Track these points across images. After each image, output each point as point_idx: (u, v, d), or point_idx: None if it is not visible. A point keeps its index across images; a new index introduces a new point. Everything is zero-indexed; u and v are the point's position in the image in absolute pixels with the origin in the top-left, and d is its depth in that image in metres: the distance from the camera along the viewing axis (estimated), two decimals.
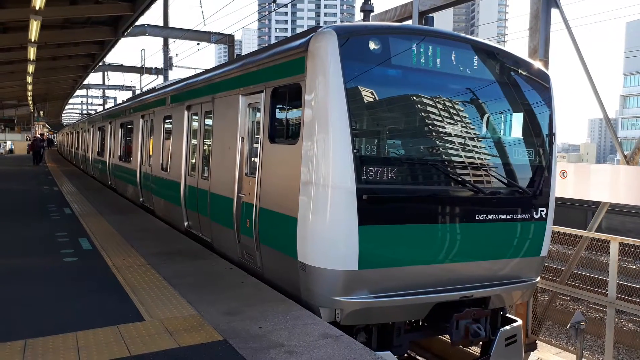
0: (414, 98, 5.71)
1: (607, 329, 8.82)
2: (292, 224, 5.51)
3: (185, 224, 9.44)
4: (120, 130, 16.28)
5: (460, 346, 6.69)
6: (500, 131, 6.31)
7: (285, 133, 6.18)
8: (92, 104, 63.09)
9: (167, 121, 11.03)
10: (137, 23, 17.93)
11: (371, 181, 5.20)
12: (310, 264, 5.31)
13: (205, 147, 8.74)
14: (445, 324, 5.88)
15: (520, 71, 6.39)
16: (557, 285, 9.78)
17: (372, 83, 5.44)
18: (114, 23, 18.41)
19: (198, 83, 9.23)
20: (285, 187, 5.76)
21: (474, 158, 5.92)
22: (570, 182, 9.83)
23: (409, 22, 12.74)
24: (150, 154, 12.21)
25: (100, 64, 28.81)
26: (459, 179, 5.78)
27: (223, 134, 7.73)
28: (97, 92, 53.63)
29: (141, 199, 12.96)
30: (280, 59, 6.11)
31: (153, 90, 14.27)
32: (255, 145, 6.81)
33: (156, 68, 32.59)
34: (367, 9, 6.93)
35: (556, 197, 6.60)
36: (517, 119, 6.37)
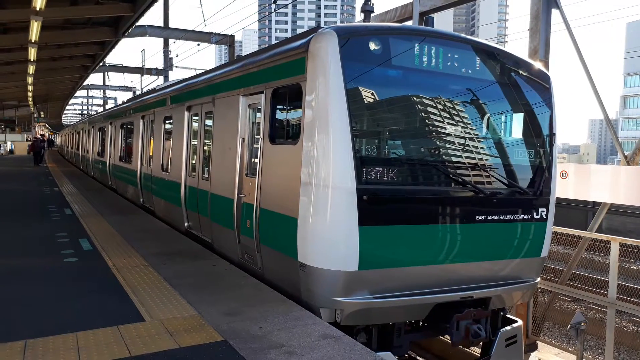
0: (415, 99, 5.71)
1: (607, 329, 8.81)
2: (292, 224, 5.51)
3: (186, 224, 9.44)
4: (120, 130, 16.29)
5: (461, 347, 6.69)
6: (501, 132, 6.31)
7: (285, 133, 6.18)
8: (92, 105, 63.15)
9: (167, 122, 11.04)
10: (137, 24, 17.92)
11: (371, 182, 5.20)
12: (311, 265, 5.31)
13: (205, 148, 8.74)
14: (445, 324, 5.87)
15: (520, 72, 6.40)
16: (558, 285, 9.78)
17: (373, 84, 5.44)
18: (114, 24, 18.42)
19: (198, 84, 9.24)
20: (285, 187, 5.76)
21: (474, 159, 5.92)
22: (571, 182, 9.83)
23: (409, 23, 12.75)
24: (151, 154, 12.22)
25: (101, 64, 28.83)
26: (460, 180, 5.77)
27: (223, 135, 7.73)
28: (98, 93, 53.67)
29: (141, 200, 12.96)
30: (281, 59, 6.11)
31: (153, 90, 14.27)
32: (255, 145, 6.81)
33: (156, 69, 32.62)
34: (367, 10, 6.94)
35: (556, 198, 6.60)
36: (518, 119, 6.37)
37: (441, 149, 5.73)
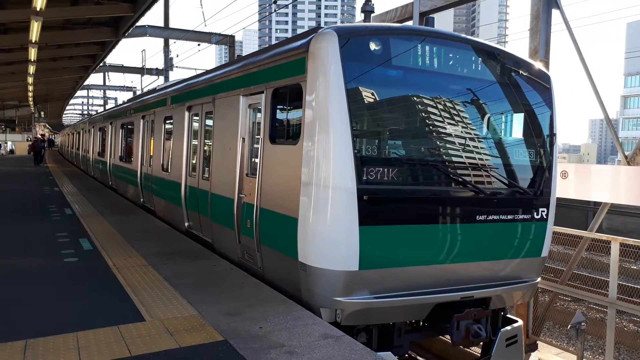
0: (415, 99, 5.71)
1: (607, 329, 8.82)
2: (292, 224, 5.51)
3: (186, 224, 9.45)
4: (121, 130, 16.30)
5: (461, 347, 6.69)
6: (501, 132, 6.30)
7: (285, 134, 6.18)
8: (92, 105, 63.17)
9: (167, 122, 11.04)
10: (137, 24, 17.93)
11: (372, 182, 5.20)
12: (311, 265, 5.31)
13: (205, 148, 8.74)
14: (445, 324, 5.87)
15: (520, 72, 6.39)
16: (558, 285, 9.78)
17: (373, 84, 5.44)
18: (114, 24, 18.42)
19: (199, 84, 9.24)
20: (285, 187, 5.76)
21: (474, 159, 5.92)
22: (571, 182, 9.82)
23: (409, 23, 12.75)
24: (151, 154, 12.22)
25: (101, 64, 28.82)
26: (460, 180, 5.77)
27: (224, 135, 7.73)
28: (98, 93, 53.70)
29: (142, 200, 12.96)
30: (281, 59, 6.11)
31: (154, 90, 14.28)
32: (255, 145, 6.81)
33: (157, 69, 32.62)
34: (367, 10, 6.93)
35: (557, 198, 6.60)
36: (518, 119, 6.37)
37: (441, 149, 5.73)
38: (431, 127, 5.73)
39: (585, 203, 17.57)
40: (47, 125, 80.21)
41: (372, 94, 5.48)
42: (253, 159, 6.87)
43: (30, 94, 33.91)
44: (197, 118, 9.18)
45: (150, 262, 7.07)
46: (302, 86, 5.53)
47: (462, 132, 5.86)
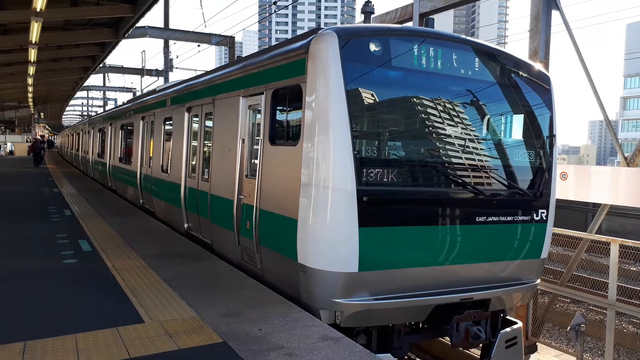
0: (415, 100, 5.71)
1: (607, 331, 8.81)
2: (292, 225, 5.50)
3: (186, 225, 9.44)
4: (120, 132, 16.29)
5: (461, 348, 6.69)
6: (501, 133, 6.30)
7: (285, 135, 6.18)
8: (92, 106, 63.16)
9: (167, 123, 11.04)
10: (137, 25, 17.92)
11: (371, 183, 5.20)
12: (311, 266, 5.30)
13: (205, 149, 8.74)
14: (445, 326, 5.87)
15: (520, 73, 6.40)
16: (558, 287, 9.77)
17: (373, 85, 5.44)
18: (114, 25, 18.42)
19: (198, 85, 9.24)
20: (285, 188, 5.76)
21: (474, 160, 5.92)
22: (571, 184, 9.82)
23: (409, 24, 12.75)
24: (151, 155, 12.22)
25: (101, 65, 28.82)
26: (460, 181, 5.77)
27: (223, 136, 7.73)
28: (98, 94, 53.70)
29: (141, 201, 12.96)
30: (281, 60, 6.11)
31: (153, 91, 14.28)
32: (255, 146, 6.81)
33: (157, 70, 32.64)
34: (367, 11, 6.93)
35: (556, 199, 6.60)
36: (518, 120, 6.37)
37: (441, 150, 5.73)
38: (431, 129, 5.73)
39: (585, 204, 17.58)
40: (47, 127, 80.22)
41: (372, 95, 5.48)
42: (253, 160, 6.86)
43: (30, 95, 33.91)
44: (197, 119, 9.17)
45: (150, 263, 7.06)
46: (302, 87, 5.53)
47: (461, 133, 5.86)
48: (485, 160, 6.04)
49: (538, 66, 6.80)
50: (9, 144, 56.42)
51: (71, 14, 16.06)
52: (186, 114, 9.58)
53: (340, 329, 5.05)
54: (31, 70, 20.73)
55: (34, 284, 6.05)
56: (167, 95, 11.12)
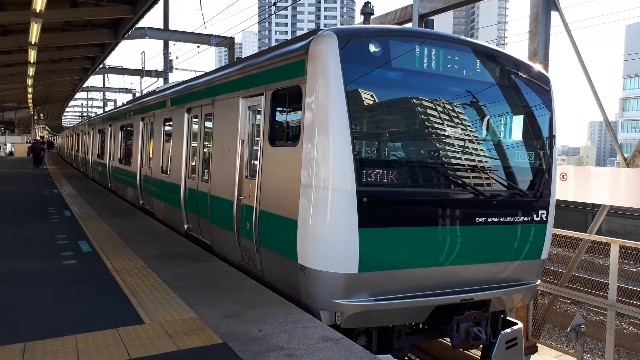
0: (414, 101, 5.71)
1: (607, 331, 8.81)
2: (292, 226, 5.50)
3: (185, 226, 9.43)
4: (120, 132, 16.29)
5: (461, 349, 6.68)
6: (501, 134, 6.31)
7: (285, 136, 6.18)
8: (92, 107, 63.18)
9: (167, 124, 11.04)
10: (137, 26, 17.94)
11: (371, 184, 5.20)
12: (311, 267, 5.30)
13: (205, 150, 8.74)
14: (445, 326, 5.87)
15: (520, 74, 6.40)
16: (558, 288, 9.77)
17: (373, 86, 5.44)
18: (114, 26, 18.44)
19: (198, 85, 9.24)
20: (285, 189, 5.76)
21: (474, 161, 5.92)
22: (571, 184, 9.83)
23: (409, 25, 12.76)
24: (151, 156, 12.22)
25: (101, 66, 28.83)
26: (459, 182, 5.77)
27: (223, 137, 7.73)
28: (98, 95, 53.72)
29: (141, 202, 12.95)
30: (281, 61, 6.11)
31: (153, 92, 14.28)
32: (255, 147, 6.81)
33: (156, 71, 32.65)
34: (367, 12, 6.93)
35: (556, 200, 6.60)
36: (518, 121, 6.37)
37: (441, 151, 5.73)
38: (431, 129, 5.73)
39: (585, 205, 17.59)
40: (47, 127, 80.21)
41: (372, 96, 5.48)
42: (252, 161, 6.86)
43: (29, 96, 33.93)
44: (197, 120, 9.17)
45: (150, 264, 7.06)
46: (301, 88, 5.53)
47: (461, 134, 5.86)
48: (485, 161, 6.04)
49: (537, 67, 6.80)
50: (8, 145, 56.39)
51: (71, 15, 16.08)
52: (186, 115, 9.58)
53: (340, 329, 5.05)
54: (31, 71, 20.75)
55: (34, 285, 6.04)
56: (167, 96, 11.12)
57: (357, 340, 5.51)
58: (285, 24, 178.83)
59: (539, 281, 6.73)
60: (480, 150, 6.01)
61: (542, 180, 6.36)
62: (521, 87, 6.37)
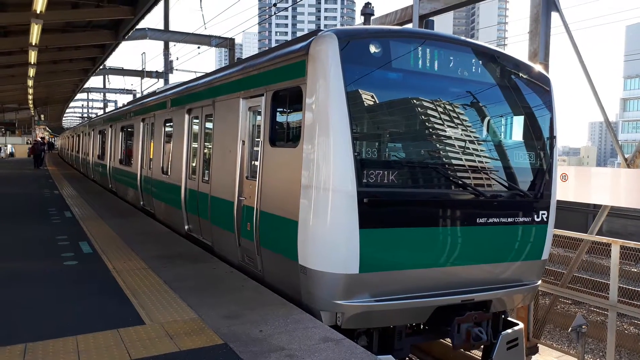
0: (415, 101, 5.71)
1: (608, 332, 8.80)
2: (292, 227, 5.50)
3: (186, 227, 9.43)
4: (120, 133, 16.30)
5: (462, 350, 6.68)
6: (501, 134, 6.30)
7: (285, 136, 6.18)
8: (92, 108, 63.22)
9: (167, 124, 11.04)
10: (137, 27, 17.98)
11: (372, 184, 5.20)
12: (311, 268, 5.30)
13: (205, 151, 8.74)
14: (446, 327, 5.86)
15: (520, 74, 6.40)
16: (558, 288, 9.77)
17: (373, 86, 5.44)
18: (114, 27, 18.47)
19: (199, 86, 9.24)
20: (286, 190, 5.76)
21: (474, 161, 5.91)
22: (571, 185, 9.82)
23: (409, 26, 12.77)
24: (151, 157, 12.22)
25: (101, 67, 28.87)
26: (460, 182, 5.77)
27: (224, 137, 7.73)
28: (98, 96, 53.75)
29: (142, 203, 12.96)
30: (281, 62, 6.12)
31: (153, 93, 14.29)
32: (255, 148, 6.81)
33: (157, 71, 32.70)
34: (367, 13, 6.94)
35: (557, 201, 6.60)
36: (518, 122, 6.37)
37: (441, 152, 5.73)
38: (431, 130, 5.73)
39: (585, 206, 17.58)
40: (47, 128, 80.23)
41: (372, 97, 5.48)
42: (253, 162, 6.87)
43: (30, 97, 33.96)
44: (197, 121, 9.18)
45: (150, 265, 7.06)
46: (302, 89, 5.53)
47: (462, 134, 5.86)
48: (486, 162, 6.04)
49: (538, 68, 6.80)
50: (9, 146, 56.41)
51: (71, 16, 16.11)
52: (186, 116, 9.59)
53: (341, 330, 5.04)
54: (31, 72, 20.77)
55: (35, 286, 6.04)
56: (168, 97, 11.12)
57: (357, 341, 5.50)
58: (286, 25, 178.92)
59: (539, 282, 6.72)
60: (481, 150, 6.01)
61: (543, 181, 6.35)
62: (522, 87, 6.37)
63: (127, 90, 43.37)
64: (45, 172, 27.70)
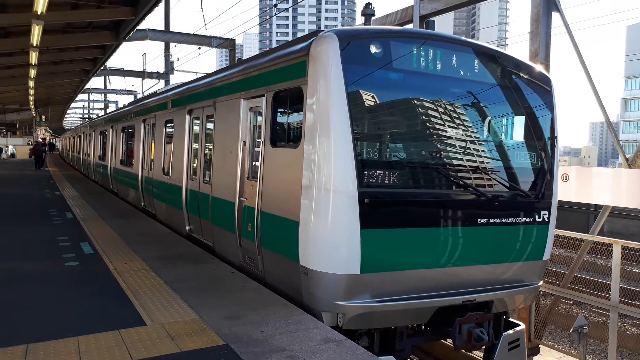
0: (416, 102, 5.70)
1: (610, 332, 8.79)
2: (293, 227, 5.50)
3: (187, 228, 9.43)
4: (121, 134, 16.31)
5: (463, 350, 6.67)
6: (502, 134, 6.30)
7: (286, 137, 6.18)
8: (93, 109, 63.28)
9: (168, 125, 11.05)
10: (138, 27, 18.02)
11: (373, 185, 5.19)
12: (312, 268, 5.29)
13: (206, 151, 8.74)
14: (448, 328, 5.86)
15: (521, 74, 6.39)
16: (560, 289, 9.76)
17: (374, 87, 5.44)
18: (115, 27, 18.48)
19: (199, 87, 9.25)
20: (286, 190, 5.75)
21: (475, 161, 5.91)
22: (572, 185, 9.82)
23: (410, 26, 12.77)
24: (152, 158, 12.23)
25: (102, 68, 28.90)
26: (461, 183, 5.76)
27: (224, 138, 7.73)
28: (99, 97, 53.80)
29: (143, 203, 12.96)
30: (282, 63, 6.12)
31: (154, 94, 14.29)
32: (256, 149, 6.81)
33: (157, 72, 32.73)
34: (368, 13, 6.94)
35: (558, 201, 6.59)
36: (519, 122, 6.36)
37: (442, 152, 5.72)
38: (432, 130, 5.73)
39: (586, 206, 17.56)
40: (48, 129, 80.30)
41: (373, 97, 5.47)
42: (254, 162, 6.87)
43: (31, 98, 33.98)
44: (198, 121, 9.18)
45: (151, 265, 7.06)
46: (302, 89, 5.53)
47: (463, 134, 5.85)
48: (487, 162, 6.03)
49: (539, 68, 6.79)
50: (10, 147, 56.46)
51: (72, 17, 16.12)
52: (187, 117, 9.59)
53: (342, 331, 5.04)
54: (32, 73, 20.78)
55: (36, 287, 6.04)
56: (168, 98, 11.13)
57: (359, 341, 5.50)
58: (286, 25, 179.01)
59: (541, 282, 6.71)
60: (482, 151, 6.00)
61: (544, 181, 6.35)
62: (522, 87, 6.36)
63: (128, 91, 43.43)
64: (46, 173, 27.72)
